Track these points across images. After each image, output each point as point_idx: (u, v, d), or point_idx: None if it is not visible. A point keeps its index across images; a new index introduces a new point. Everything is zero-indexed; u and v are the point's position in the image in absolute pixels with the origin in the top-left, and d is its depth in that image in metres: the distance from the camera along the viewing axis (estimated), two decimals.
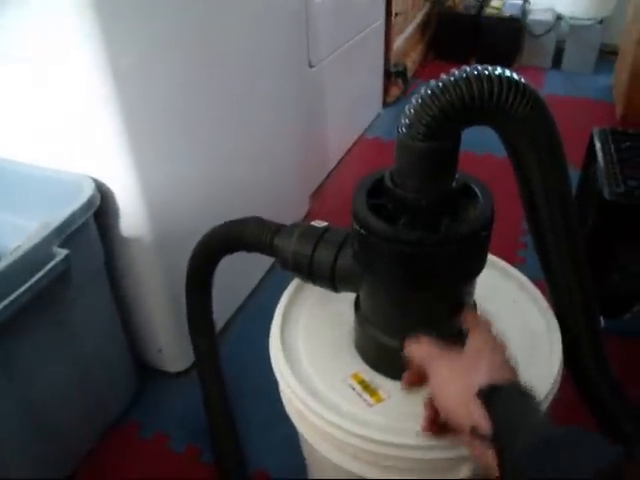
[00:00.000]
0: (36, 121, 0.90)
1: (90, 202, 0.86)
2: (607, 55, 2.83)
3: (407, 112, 0.52)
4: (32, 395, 0.88)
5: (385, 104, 2.46)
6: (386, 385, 0.65)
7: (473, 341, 0.57)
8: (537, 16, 2.86)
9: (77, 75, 0.81)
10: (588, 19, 2.78)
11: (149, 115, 0.90)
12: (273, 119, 1.35)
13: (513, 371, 0.54)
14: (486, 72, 0.50)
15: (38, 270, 0.77)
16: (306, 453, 0.82)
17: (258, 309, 1.37)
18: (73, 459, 1.03)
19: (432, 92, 0.51)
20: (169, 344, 1.16)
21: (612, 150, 1.27)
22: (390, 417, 0.62)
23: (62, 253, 0.78)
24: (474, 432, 0.49)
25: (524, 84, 0.51)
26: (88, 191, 0.86)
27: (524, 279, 0.78)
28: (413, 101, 0.52)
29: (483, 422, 0.48)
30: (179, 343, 1.15)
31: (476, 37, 2.85)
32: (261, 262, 1.44)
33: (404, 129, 0.53)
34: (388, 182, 0.56)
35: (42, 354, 0.88)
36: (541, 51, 2.89)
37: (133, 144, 0.87)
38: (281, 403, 1.15)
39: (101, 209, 0.91)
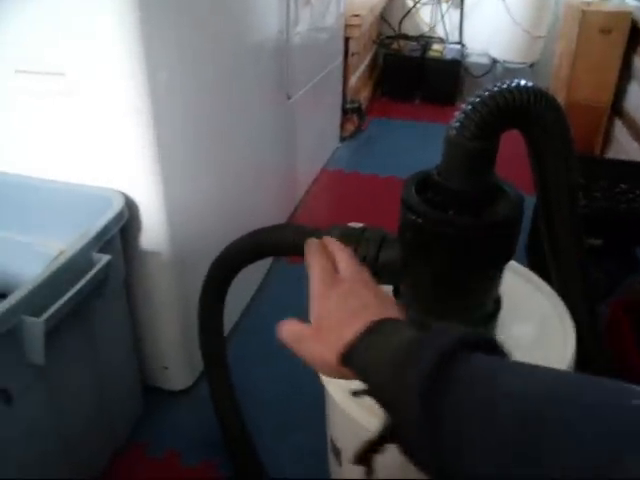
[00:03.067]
0: (63, 134, 0.93)
1: (120, 215, 0.90)
2: None
3: (458, 116, 0.61)
4: (59, 405, 0.88)
5: (342, 139, 2.60)
6: None
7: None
8: (474, 59, 3.11)
9: (112, 87, 0.86)
10: (520, 63, 3.05)
11: (177, 132, 0.96)
12: (258, 147, 1.44)
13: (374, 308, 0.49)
14: (522, 85, 0.61)
15: (80, 276, 0.80)
16: (340, 430, 0.85)
17: (253, 326, 1.41)
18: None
19: (481, 99, 0.60)
20: (175, 361, 1.18)
21: None
22: None
23: (104, 259, 0.81)
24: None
25: (551, 96, 0.62)
26: (119, 204, 0.90)
27: (522, 269, 0.87)
28: (464, 106, 0.61)
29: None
30: (184, 360, 1.18)
31: (420, 77, 3.06)
32: (253, 277, 1.50)
33: (455, 130, 0.61)
34: (437, 177, 0.65)
35: (71, 366, 0.89)
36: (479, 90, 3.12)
37: (162, 160, 0.92)
38: (290, 409, 1.20)
39: (127, 224, 0.94)
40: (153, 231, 0.99)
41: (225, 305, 1.01)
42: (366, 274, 0.55)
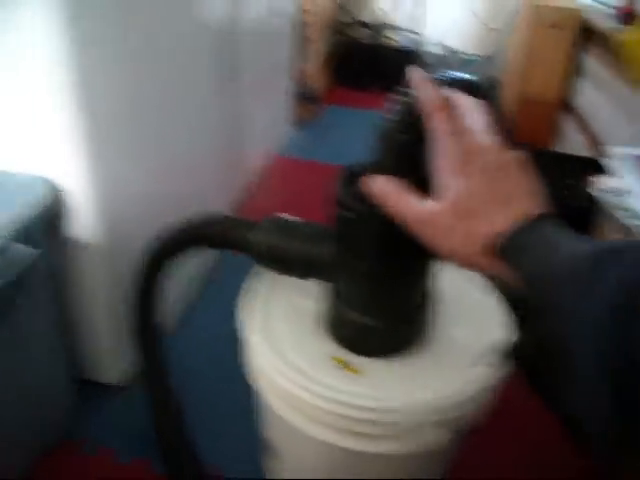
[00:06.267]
0: None
1: (46, 204, 0.85)
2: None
3: (389, 108, 0.60)
4: None
5: (296, 126, 2.56)
6: (361, 361, 0.71)
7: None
8: (430, 49, 3.12)
9: (34, 65, 0.80)
10: (474, 54, 3.07)
11: (109, 115, 0.91)
12: (201, 131, 1.40)
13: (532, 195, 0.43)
14: (455, 75, 0.59)
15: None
16: (274, 430, 0.84)
17: (200, 315, 1.38)
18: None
19: (412, 92, 0.58)
20: (111, 355, 1.14)
21: None
22: (369, 387, 0.67)
23: (27, 251, 0.77)
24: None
25: (485, 87, 0.61)
26: (45, 192, 0.85)
27: None
28: (395, 98, 0.59)
29: (508, 274, 0.41)
30: (120, 354, 1.14)
31: (376, 66, 3.05)
32: (199, 275, 1.46)
33: (386, 123, 0.60)
34: (369, 170, 0.63)
35: None
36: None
37: (91, 144, 0.88)
38: (230, 403, 1.18)
39: (53, 212, 0.89)
40: (84, 220, 0.94)
41: (169, 297, 0.98)
42: (510, 151, 0.45)
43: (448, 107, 0.48)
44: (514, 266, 0.40)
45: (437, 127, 0.47)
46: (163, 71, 1.12)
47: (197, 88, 1.33)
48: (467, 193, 0.43)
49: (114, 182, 0.97)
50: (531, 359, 0.40)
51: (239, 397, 1.12)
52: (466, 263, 0.45)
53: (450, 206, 0.44)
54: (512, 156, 0.45)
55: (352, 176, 0.66)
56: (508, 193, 0.42)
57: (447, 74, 0.60)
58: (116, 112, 0.95)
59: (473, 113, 0.47)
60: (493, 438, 1.10)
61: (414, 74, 0.51)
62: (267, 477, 0.98)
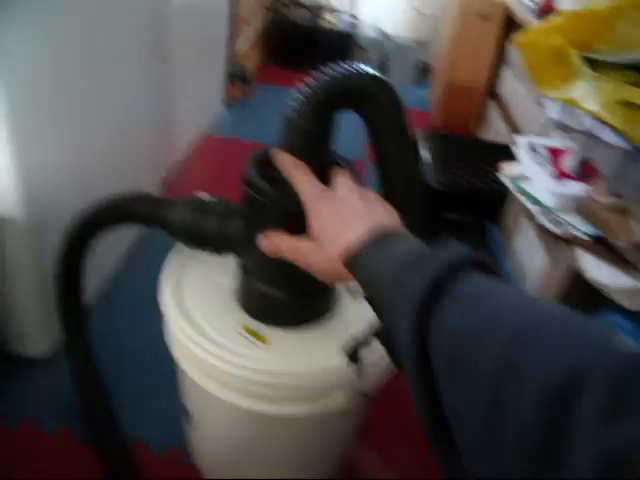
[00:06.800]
0: None
1: None
2: (424, 72, 3.22)
3: (296, 97, 0.64)
4: None
5: (226, 105, 2.57)
6: (270, 332, 0.76)
7: (339, 191, 0.59)
8: (365, 32, 3.17)
9: None
10: (408, 39, 3.15)
11: (30, 88, 0.91)
12: (128, 108, 1.40)
13: (386, 217, 0.54)
14: (357, 68, 0.65)
15: None
16: (192, 398, 0.89)
17: (123, 291, 1.40)
18: None
19: (318, 82, 0.63)
20: (33, 328, 1.15)
21: (434, 148, 1.52)
22: (277, 354, 0.73)
23: None
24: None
25: (386, 80, 0.66)
26: None
27: None
28: (302, 87, 0.64)
29: (353, 283, 0.51)
30: (43, 327, 1.15)
31: (311, 47, 3.08)
32: (121, 248, 1.47)
33: (293, 111, 0.64)
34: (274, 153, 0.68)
35: None
36: (368, 63, 3.19)
37: (10, 117, 0.88)
38: (153, 376, 1.22)
39: None
40: (3, 194, 0.95)
41: (92, 267, 0.99)
42: (362, 189, 0.59)
43: (302, 165, 0.63)
44: (357, 273, 0.50)
45: (296, 180, 0.62)
46: (90, 47, 1.12)
47: (126, 67, 1.33)
48: (320, 223, 0.56)
49: (37, 158, 0.98)
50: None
51: (162, 369, 1.16)
52: (334, 278, 0.56)
53: (312, 235, 0.57)
54: (358, 190, 0.59)
55: (260, 159, 0.71)
56: (354, 214, 0.53)
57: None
58: (38, 88, 0.95)
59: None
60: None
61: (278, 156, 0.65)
62: (187, 446, 1.03)
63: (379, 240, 0.49)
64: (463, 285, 0.38)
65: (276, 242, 0.64)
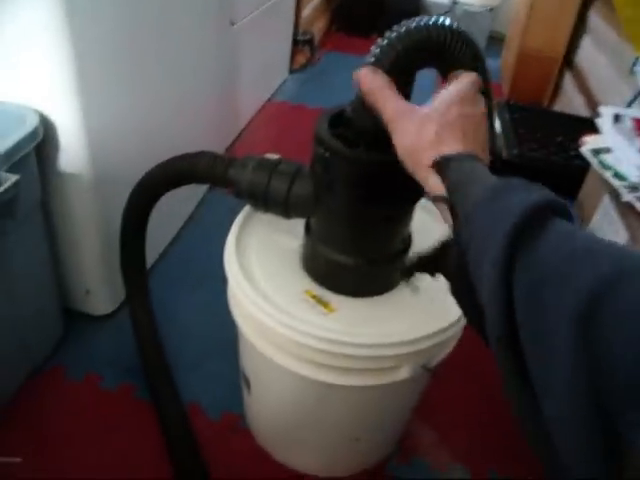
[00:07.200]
0: None
1: (34, 133, 0.86)
2: (496, 40, 3.07)
3: (374, 51, 0.60)
4: None
5: (291, 71, 2.53)
6: (335, 299, 0.74)
7: (449, 91, 0.55)
8: None
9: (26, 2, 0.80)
10: (480, 6, 3.01)
11: (100, 49, 0.91)
12: (195, 71, 1.38)
13: (477, 143, 0.52)
14: (439, 22, 0.59)
15: None
16: (251, 363, 0.88)
17: (180, 256, 1.41)
18: None
19: (397, 35, 0.59)
20: (97, 286, 1.16)
21: (507, 119, 1.44)
22: (342, 323, 0.70)
23: (12, 178, 0.78)
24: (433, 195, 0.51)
25: (469, 35, 0.61)
26: (32, 122, 0.85)
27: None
28: (379, 41, 0.60)
29: (438, 187, 0.50)
30: (107, 285, 1.17)
31: (378, 14, 2.98)
32: (180, 212, 1.48)
33: (370, 65, 0.60)
34: (349, 114, 0.64)
35: None
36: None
37: (81, 77, 0.87)
38: (212, 340, 1.22)
39: (43, 143, 0.90)
40: (72, 152, 0.95)
41: (151, 232, 0.99)
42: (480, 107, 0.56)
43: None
44: (443, 176, 0.49)
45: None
46: (160, 9, 1.10)
47: (194, 29, 1.31)
48: (442, 115, 0.52)
49: (104, 116, 0.97)
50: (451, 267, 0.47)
51: (221, 334, 1.16)
52: (413, 165, 0.52)
53: (425, 113, 0.53)
54: (480, 111, 0.55)
55: (333, 117, 0.68)
56: (463, 134, 0.52)
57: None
58: (108, 48, 0.94)
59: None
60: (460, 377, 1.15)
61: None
62: (244, 411, 1.03)
63: (472, 160, 0.49)
64: (561, 221, 0.38)
65: (379, 80, 0.58)
